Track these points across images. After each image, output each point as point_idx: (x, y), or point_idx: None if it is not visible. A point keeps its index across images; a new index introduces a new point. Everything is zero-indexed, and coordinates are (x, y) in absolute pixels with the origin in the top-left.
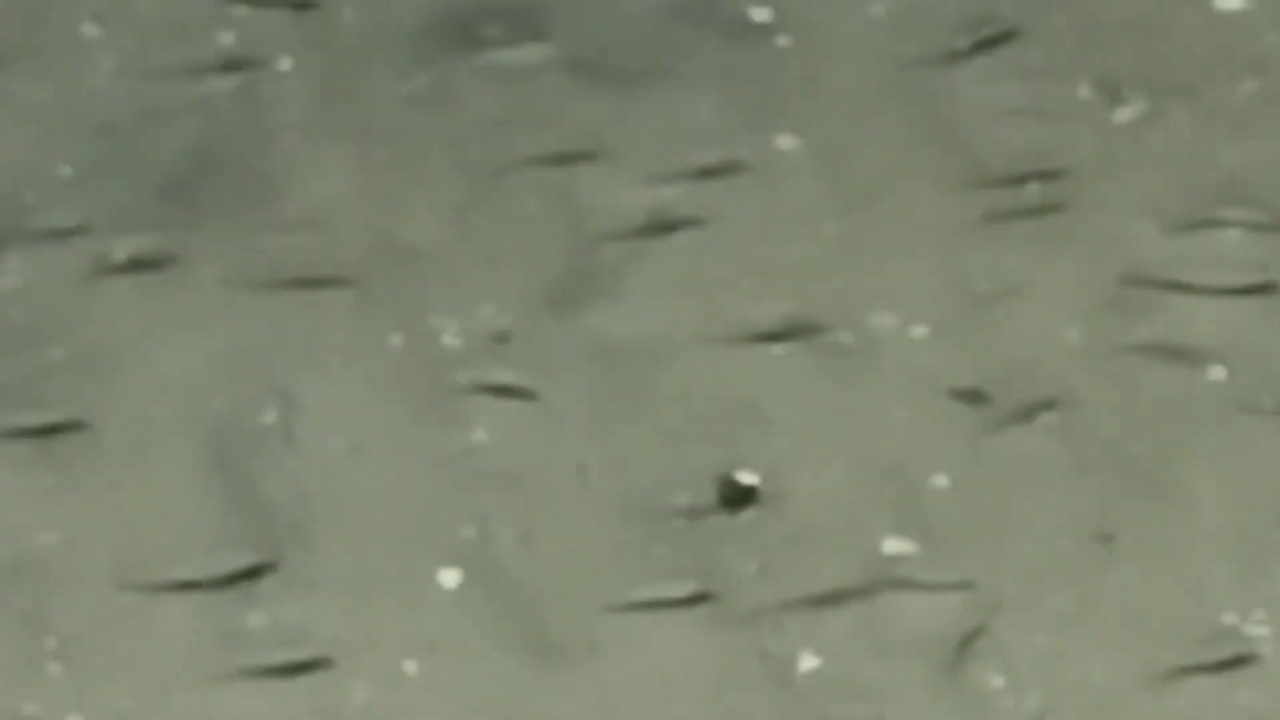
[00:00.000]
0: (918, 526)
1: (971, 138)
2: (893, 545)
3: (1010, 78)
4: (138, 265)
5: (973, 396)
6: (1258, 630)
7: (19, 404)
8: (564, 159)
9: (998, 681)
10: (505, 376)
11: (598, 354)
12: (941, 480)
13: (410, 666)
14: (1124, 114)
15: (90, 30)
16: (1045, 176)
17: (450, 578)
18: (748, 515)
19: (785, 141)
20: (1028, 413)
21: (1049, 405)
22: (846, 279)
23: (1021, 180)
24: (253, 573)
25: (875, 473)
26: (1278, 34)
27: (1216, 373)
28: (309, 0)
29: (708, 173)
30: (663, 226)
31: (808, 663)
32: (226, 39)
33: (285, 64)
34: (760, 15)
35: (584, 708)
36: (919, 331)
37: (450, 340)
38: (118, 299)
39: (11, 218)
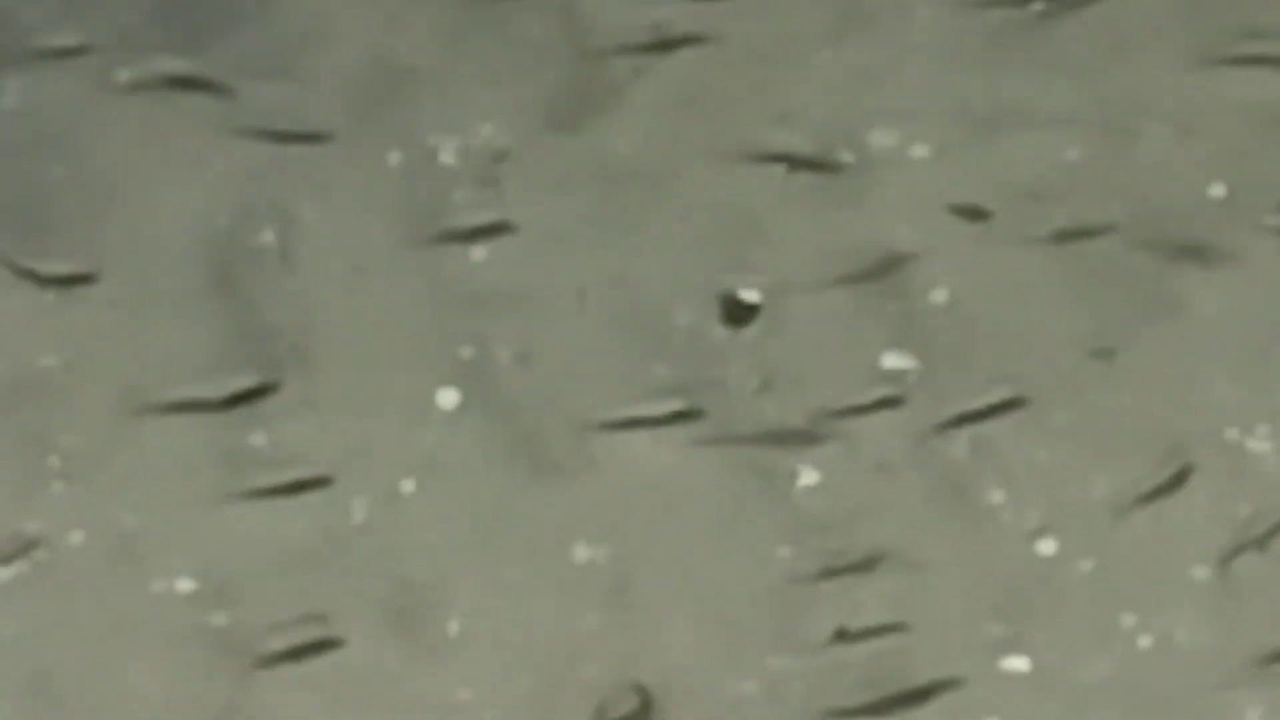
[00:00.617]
0: (917, 342)
1: None
2: (892, 360)
3: None
4: (139, 86)
5: (972, 212)
6: (1261, 445)
7: (18, 225)
8: None
9: (998, 497)
10: (504, 195)
11: (598, 172)
12: (941, 295)
13: (408, 485)
14: None
15: None
16: None
17: (448, 397)
18: (748, 333)
19: None
20: (1028, 229)
21: (1049, 221)
22: (847, 97)
23: None
24: (254, 393)
25: (875, 288)
26: None
27: (1217, 190)
28: None
29: None
30: (664, 44)
31: (807, 478)
32: None
33: None
34: None
35: (582, 525)
36: (919, 150)
37: (449, 159)
38: (118, 120)
39: (10, 38)
